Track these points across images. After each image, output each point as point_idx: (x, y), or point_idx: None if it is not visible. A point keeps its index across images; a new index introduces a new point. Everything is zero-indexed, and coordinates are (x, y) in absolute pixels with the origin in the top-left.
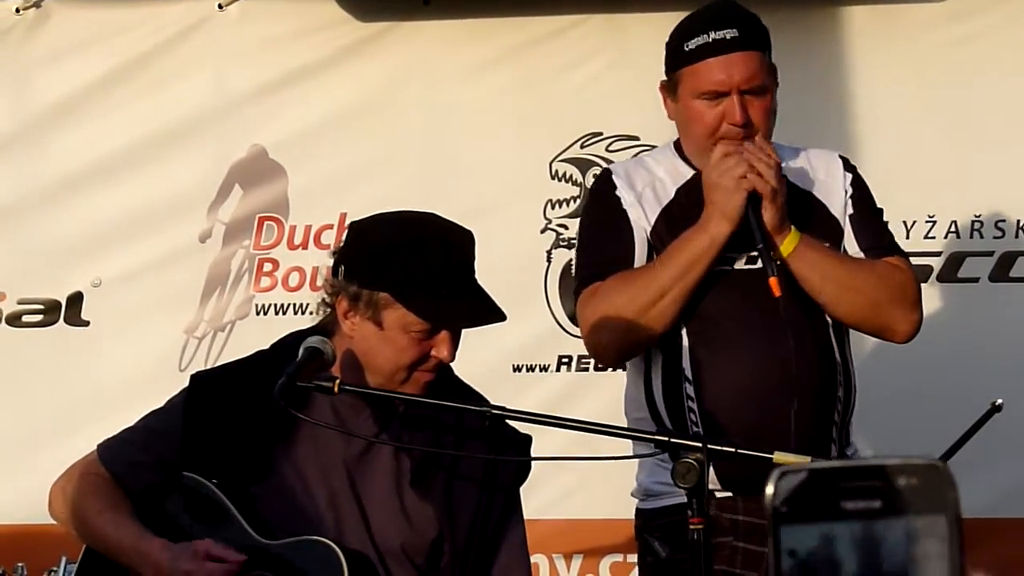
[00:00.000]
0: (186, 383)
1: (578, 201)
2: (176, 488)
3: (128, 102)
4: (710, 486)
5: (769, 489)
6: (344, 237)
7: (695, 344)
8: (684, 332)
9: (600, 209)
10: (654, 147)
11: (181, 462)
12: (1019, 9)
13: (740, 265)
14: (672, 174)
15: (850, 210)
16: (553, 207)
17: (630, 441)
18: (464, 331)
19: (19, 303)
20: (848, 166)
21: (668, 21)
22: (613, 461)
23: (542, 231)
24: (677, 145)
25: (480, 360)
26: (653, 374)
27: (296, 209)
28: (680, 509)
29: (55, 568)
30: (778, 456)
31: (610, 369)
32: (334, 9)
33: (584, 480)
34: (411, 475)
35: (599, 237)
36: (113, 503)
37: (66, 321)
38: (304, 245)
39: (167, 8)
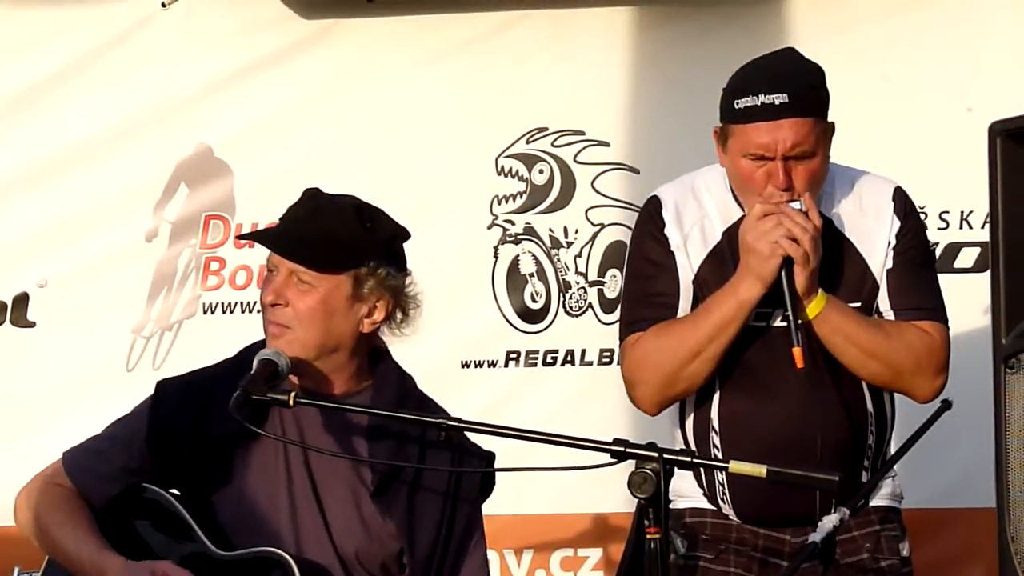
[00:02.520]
0: (137, 383)
1: (524, 197)
2: (138, 501)
3: (72, 102)
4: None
5: None
6: None
7: (724, 397)
8: (716, 383)
9: (647, 246)
10: (601, 142)
11: (144, 469)
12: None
13: (776, 323)
14: (722, 211)
15: (888, 264)
16: (500, 203)
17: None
18: (415, 330)
19: None
20: (900, 206)
21: (612, 16)
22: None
23: (489, 227)
24: None
25: (428, 357)
26: (686, 418)
27: (242, 207)
28: (700, 512)
29: None
30: (734, 466)
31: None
32: (278, 7)
33: (534, 476)
34: (373, 487)
35: (645, 278)
36: (74, 516)
37: (12, 322)
38: (251, 244)
39: (110, 8)
